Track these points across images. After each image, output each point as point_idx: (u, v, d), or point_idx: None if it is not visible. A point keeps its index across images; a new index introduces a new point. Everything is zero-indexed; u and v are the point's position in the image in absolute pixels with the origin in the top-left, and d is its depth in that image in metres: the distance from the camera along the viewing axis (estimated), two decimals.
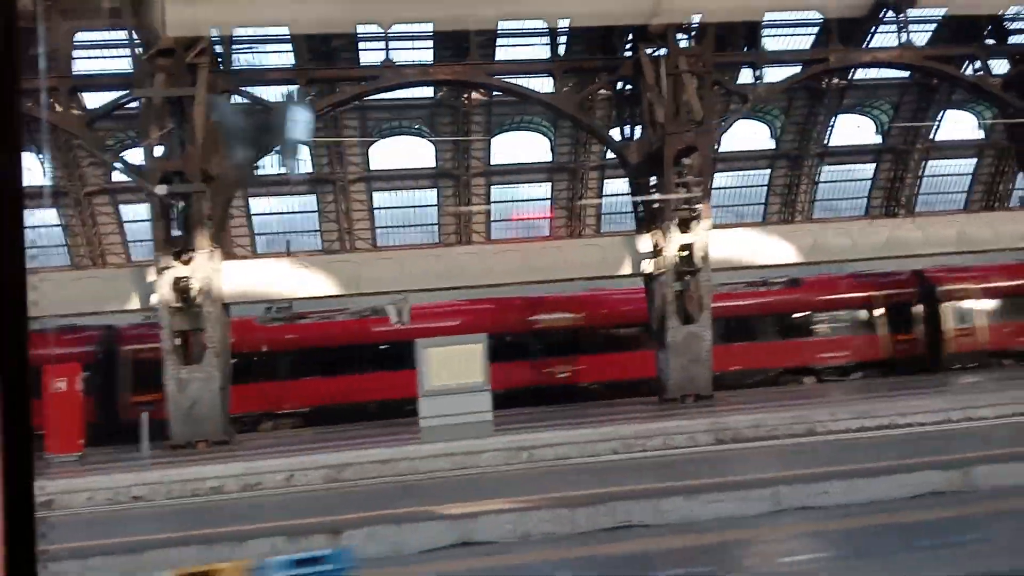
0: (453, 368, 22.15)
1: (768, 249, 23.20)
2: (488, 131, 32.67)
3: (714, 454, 16.24)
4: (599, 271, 22.45)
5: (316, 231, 34.36)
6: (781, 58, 24.45)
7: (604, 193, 33.53)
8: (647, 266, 22.60)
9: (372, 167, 33.48)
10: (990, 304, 28.16)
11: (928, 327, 27.93)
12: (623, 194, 27.39)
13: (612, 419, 19.75)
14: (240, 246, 33.39)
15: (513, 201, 35.05)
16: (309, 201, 34.60)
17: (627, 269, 22.61)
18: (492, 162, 33.38)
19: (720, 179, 35.82)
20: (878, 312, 27.76)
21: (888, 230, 23.72)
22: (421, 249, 29.52)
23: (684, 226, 22.00)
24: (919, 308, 28.02)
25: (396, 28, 22.88)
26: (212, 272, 20.46)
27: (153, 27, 19.65)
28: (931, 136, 35.76)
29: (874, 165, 36.32)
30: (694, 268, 22.09)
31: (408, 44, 25.57)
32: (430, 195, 34.37)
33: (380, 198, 34.05)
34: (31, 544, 1.44)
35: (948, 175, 37.18)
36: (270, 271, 21.93)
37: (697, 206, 21.86)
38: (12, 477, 1.37)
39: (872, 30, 28.25)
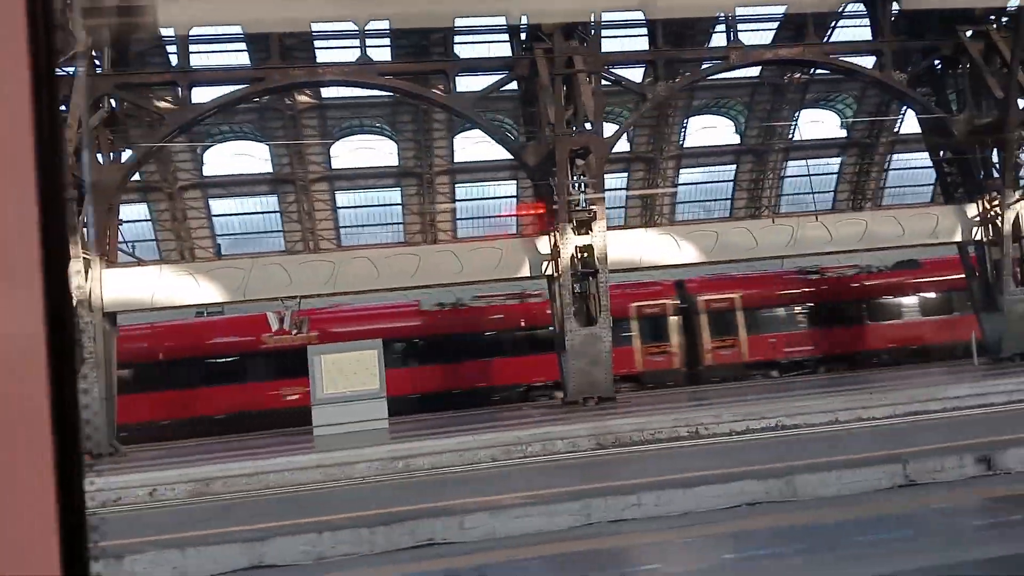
0: (347, 375, 21.86)
1: (670, 249, 22.97)
2: (451, 130, 32.67)
3: (588, 460, 15.97)
4: (497, 273, 22.12)
5: (279, 232, 34.43)
6: (678, 56, 24.15)
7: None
8: (546, 268, 22.32)
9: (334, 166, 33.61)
10: (754, 314, 27.92)
11: (684, 339, 27.31)
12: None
13: (507, 424, 19.51)
14: (202, 248, 33.09)
15: (480, 199, 35.46)
16: (272, 202, 34.79)
17: (526, 271, 22.29)
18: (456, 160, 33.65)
19: (688, 175, 36.08)
20: (632, 323, 26.72)
21: (793, 228, 23.53)
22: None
23: (582, 227, 21.74)
24: (675, 319, 27.31)
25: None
26: (90, 282, 19.89)
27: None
28: (896, 129, 36.32)
29: (839, 159, 36.79)
30: (592, 270, 21.82)
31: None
32: (394, 195, 34.50)
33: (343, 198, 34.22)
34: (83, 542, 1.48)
35: (912, 168, 37.62)
36: (155, 279, 21.38)
37: (593, 207, 21.58)
38: (64, 475, 1.40)
39: (832, 24, 28.76)
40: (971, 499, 9.94)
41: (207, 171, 34.20)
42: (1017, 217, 24.15)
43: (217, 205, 34.91)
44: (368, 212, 35.57)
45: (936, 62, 25.20)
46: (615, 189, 35.22)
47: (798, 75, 33.02)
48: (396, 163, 33.98)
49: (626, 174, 36.19)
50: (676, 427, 17.73)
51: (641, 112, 24.10)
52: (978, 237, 24.46)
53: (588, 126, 21.81)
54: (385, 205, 35.31)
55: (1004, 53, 24.09)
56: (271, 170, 34.00)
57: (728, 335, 27.44)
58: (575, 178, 21.57)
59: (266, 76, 21.51)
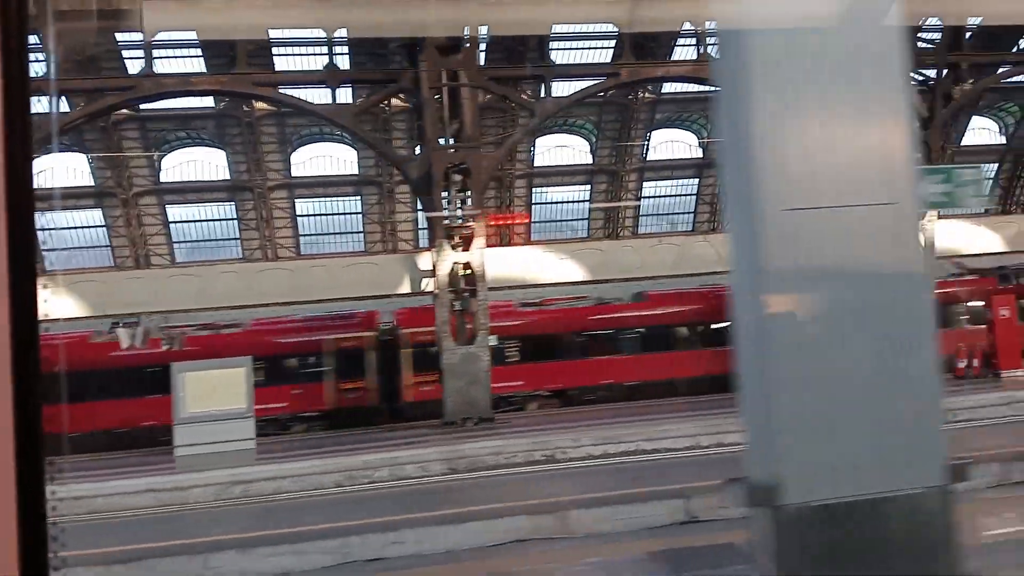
0: (214, 393, 21.19)
1: (553, 267, 22.63)
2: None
3: (427, 487, 15.46)
4: (374, 290, 21.63)
5: (236, 239, 33.60)
6: (569, 72, 23.87)
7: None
8: (426, 285, 21.88)
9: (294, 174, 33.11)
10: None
11: (383, 374, 25.29)
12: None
13: (367, 446, 18.98)
14: (158, 255, 32.32)
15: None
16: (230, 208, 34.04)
17: (406, 287, 21.82)
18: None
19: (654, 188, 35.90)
20: (326, 357, 24.84)
21: (680, 247, 23.29)
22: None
23: (462, 244, 21.33)
24: (375, 353, 25.13)
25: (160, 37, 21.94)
26: None
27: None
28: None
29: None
30: (471, 287, 21.40)
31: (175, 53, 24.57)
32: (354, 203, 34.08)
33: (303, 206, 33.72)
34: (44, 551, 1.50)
35: None
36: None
37: (471, 224, 21.18)
38: (25, 482, 1.41)
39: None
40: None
41: (164, 177, 33.51)
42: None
43: (175, 211, 34.04)
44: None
45: None
46: (577, 201, 35.38)
47: None
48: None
49: (589, 186, 36.01)
50: (533, 451, 17.32)
51: (530, 128, 23.72)
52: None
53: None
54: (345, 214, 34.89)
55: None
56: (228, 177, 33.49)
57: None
58: (452, 194, 21.13)
59: (137, 84, 20.94)
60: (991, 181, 35.61)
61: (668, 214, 35.76)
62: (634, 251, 22.61)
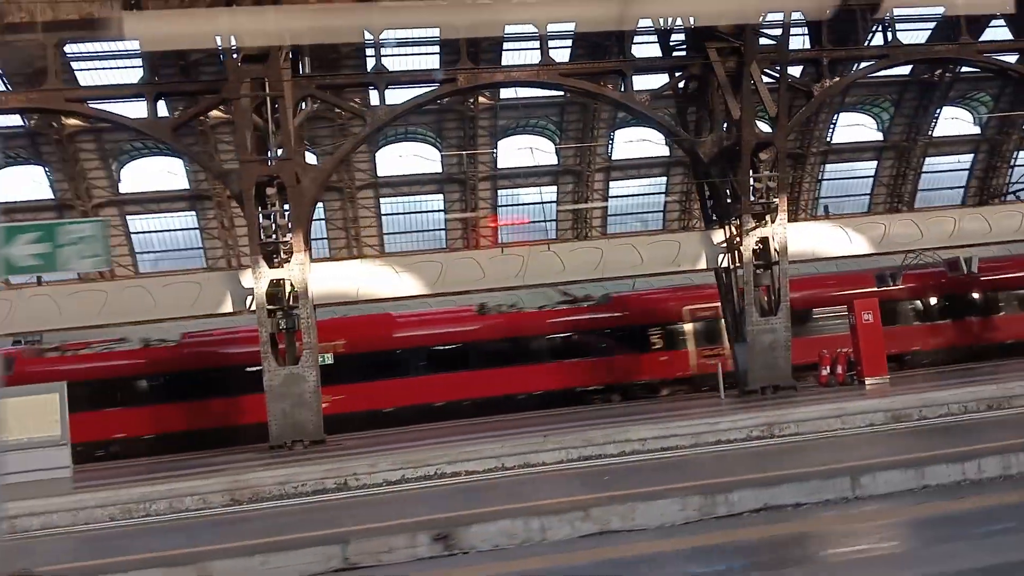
0: (27, 420, 20.23)
1: (388, 281, 21.76)
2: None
3: (193, 521, 14.55)
4: (196, 309, 20.74)
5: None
6: (399, 79, 22.98)
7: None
8: (250, 303, 20.93)
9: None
10: None
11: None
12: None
13: (179, 474, 18.06)
14: (122, 266, 31.78)
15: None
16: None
17: (228, 306, 20.90)
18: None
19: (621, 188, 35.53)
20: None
21: (523, 257, 22.44)
22: None
23: (270, 260, 20.45)
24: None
25: None
26: None
27: None
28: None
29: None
30: (293, 305, 20.51)
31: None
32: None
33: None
34: None
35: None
36: None
37: (287, 238, 20.27)
38: None
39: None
40: None
41: (124, 188, 33.08)
42: (767, 242, 23.37)
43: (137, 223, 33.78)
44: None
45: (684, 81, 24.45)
46: (544, 203, 35.05)
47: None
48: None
49: (555, 187, 35.34)
50: (325, 479, 16.44)
51: (362, 136, 22.76)
52: (724, 264, 23.66)
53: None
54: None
55: (755, 74, 23.40)
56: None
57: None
58: (272, 208, 20.21)
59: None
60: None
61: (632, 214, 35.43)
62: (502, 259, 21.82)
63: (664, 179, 36.67)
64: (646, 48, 26.53)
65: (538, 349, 26.91)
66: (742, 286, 23.24)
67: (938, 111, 36.02)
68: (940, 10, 27.43)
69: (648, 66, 24.53)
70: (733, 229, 23.47)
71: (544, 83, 23.50)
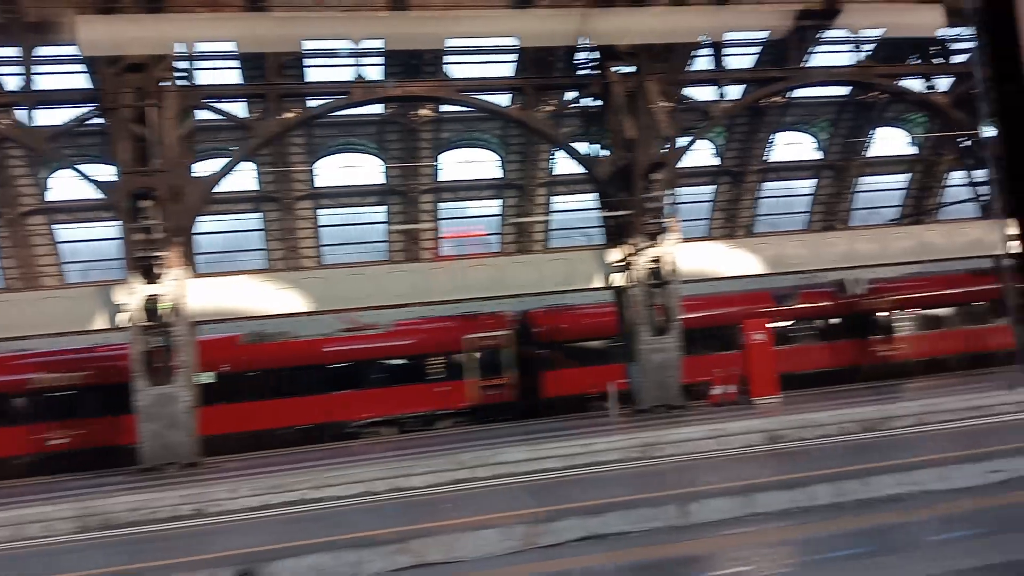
0: None
1: (271, 298, 21.19)
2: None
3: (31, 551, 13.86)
4: (67, 326, 19.90)
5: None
6: (301, 90, 22.53)
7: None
8: (121, 319, 20.13)
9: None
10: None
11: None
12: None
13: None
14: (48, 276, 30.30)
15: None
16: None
17: (103, 323, 20.09)
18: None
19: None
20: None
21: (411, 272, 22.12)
22: None
23: (149, 275, 19.74)
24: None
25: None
26: None
27: None
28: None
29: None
30: (167, 323, 19.80)
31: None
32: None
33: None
34: None
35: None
36: None
37: (162, 252, 19.59)
38: None
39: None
40: None
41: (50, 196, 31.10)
42: (660, 262, 23.39)
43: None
44: None
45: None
46: (488, 216, 34.81)
47: None
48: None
49: (500, 201, 35.22)
50: (180, 505, 15.80)
51: (251, 149, 22.12)
52: (619, 283, 23.61)
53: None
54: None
55: (651, 94, 23.48)
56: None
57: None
58: (148, 221, 19.51)
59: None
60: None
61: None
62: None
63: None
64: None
65: (303, 380, 25.03)
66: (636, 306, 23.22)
67: (873, 131, 36.78)
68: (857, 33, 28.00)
69: (548, 84, 24.44)
70: (628, 248, 23.46)
71: (439, 98, 23.28)
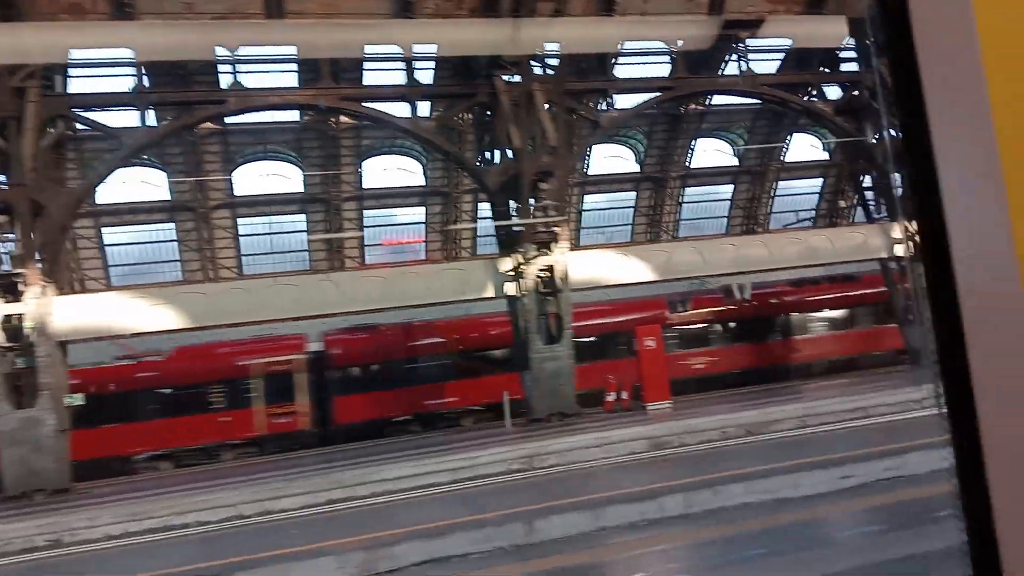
0: None
1: (137, 315, 20.37)
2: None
3: None
4: None
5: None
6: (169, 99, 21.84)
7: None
8: None
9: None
10: None
11: None
12: None
13: None
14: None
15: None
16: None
17: None
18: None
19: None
20: None
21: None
22: None
23: (9, 295, 18.78)
24: None
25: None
26: None
27: None
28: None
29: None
30: (24, 343, 18.83)
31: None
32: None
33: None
34: None
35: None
36: None
37: (21, 270, 18.63)
38: None
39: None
40: None
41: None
42: (552, 270, 23.27)
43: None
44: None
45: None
46: (416, 223, 34.55)
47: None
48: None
49: (423, 208, 34.70)
50: (36, 536, 14.97)
51: (115, 161, 21.24)
52: (513, 291, 23.44)
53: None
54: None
55: (538, 103, 23.39)
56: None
57: None
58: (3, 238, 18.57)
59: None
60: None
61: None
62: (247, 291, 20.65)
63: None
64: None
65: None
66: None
67: (789, 137, 37.61)
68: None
69: (435, 93, 24.16)
70: (520, 257, 23.30)
71: (314, 107, 22.83)
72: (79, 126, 21.85)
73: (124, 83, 21.84)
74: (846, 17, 25.76)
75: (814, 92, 28.47)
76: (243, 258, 32.69)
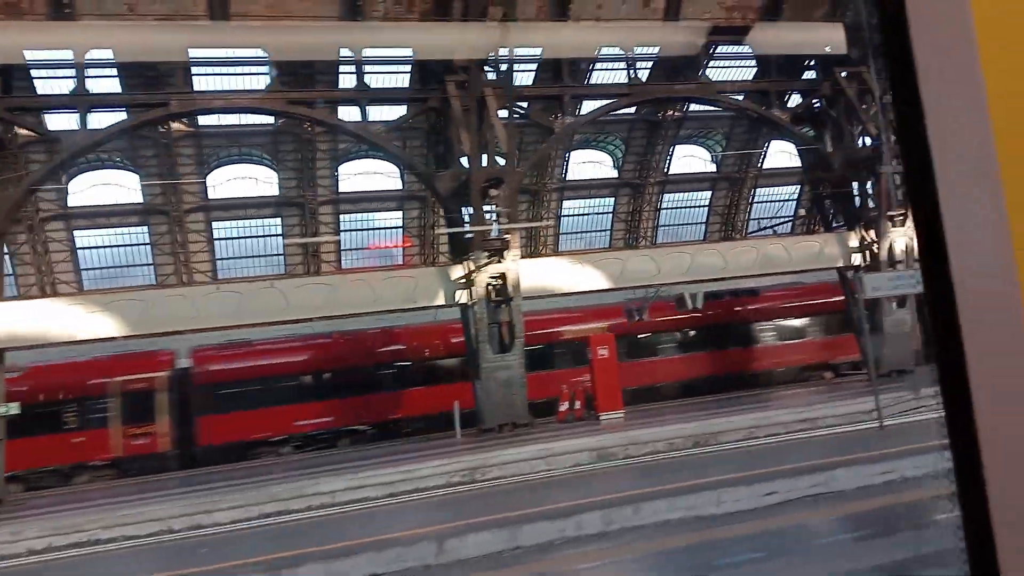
0: None
1: (76, 323, 19.90)
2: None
3: None
4: None
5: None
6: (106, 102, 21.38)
7: None
8: None
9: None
10: None
11: None
12: None
13: None
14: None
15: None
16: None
17: None
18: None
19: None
20: None
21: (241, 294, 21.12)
22: None
23: None
24: None
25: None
26: None
27: None
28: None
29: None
30: None
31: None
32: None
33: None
34: None
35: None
36: None
37: None
38: None
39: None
40: None
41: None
42: (504, 278, 23.00)
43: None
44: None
45: None
46: (391, 227, 34.38)
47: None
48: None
49: (400, 212, 34.53)
50: None
51: (50, 168, 20.81)
52: (463, 299, 23.14)
53: None
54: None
55: (490, 109, 23.10)
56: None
57: None
58: None
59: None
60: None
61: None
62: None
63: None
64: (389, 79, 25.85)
65: None
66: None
67: (767, 144, 37.67)
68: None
69: (385, 97, 23.85)
70: (471, 265, 23.01)
71: (263, 110, 22.45)
72: (19, 130, 21.30)
73: (65, 85, 21.48)
74: (802, 24, 25.70)
75: (777, 100, 28.42)
76: (218, 262, 32.32)
